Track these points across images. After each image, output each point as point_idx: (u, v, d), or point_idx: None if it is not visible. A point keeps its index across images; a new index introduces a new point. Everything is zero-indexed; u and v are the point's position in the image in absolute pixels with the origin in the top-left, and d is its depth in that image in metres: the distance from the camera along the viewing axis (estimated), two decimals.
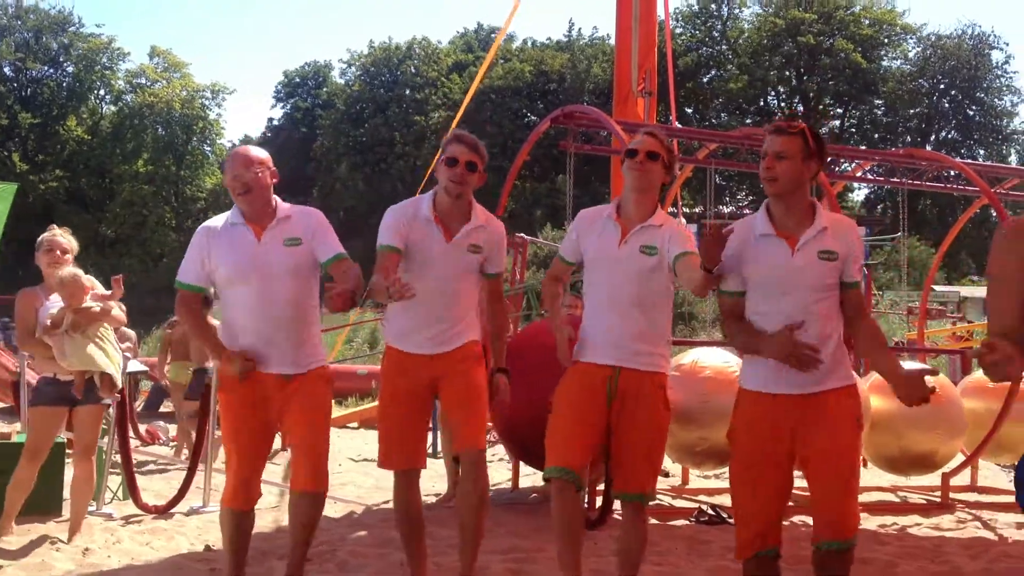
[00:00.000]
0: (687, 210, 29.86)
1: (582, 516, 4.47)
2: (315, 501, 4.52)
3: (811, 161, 3.78)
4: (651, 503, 4.43)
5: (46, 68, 53.92)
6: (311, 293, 4.51)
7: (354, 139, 54.72)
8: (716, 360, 7.29)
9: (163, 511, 7.02)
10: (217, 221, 4.53)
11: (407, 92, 56.52)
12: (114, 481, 7.49)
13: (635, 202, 4.31)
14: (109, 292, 6.08)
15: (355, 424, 13.38)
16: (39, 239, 6.16)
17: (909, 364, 8.74)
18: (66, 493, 7.00)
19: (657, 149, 4.24)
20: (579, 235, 4.38)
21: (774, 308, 3.78)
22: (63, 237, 6.17)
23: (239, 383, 4.36)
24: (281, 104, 64.29)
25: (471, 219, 4.58)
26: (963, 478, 8.97)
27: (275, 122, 64.23)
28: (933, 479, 8.68)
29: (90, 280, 6.08)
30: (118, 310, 6.16)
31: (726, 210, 46.45)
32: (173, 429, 11.27)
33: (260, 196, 4.42)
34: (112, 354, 6.06)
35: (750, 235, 3.86)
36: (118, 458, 7.16)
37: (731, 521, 7.03)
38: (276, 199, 4.52)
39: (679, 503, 7.83)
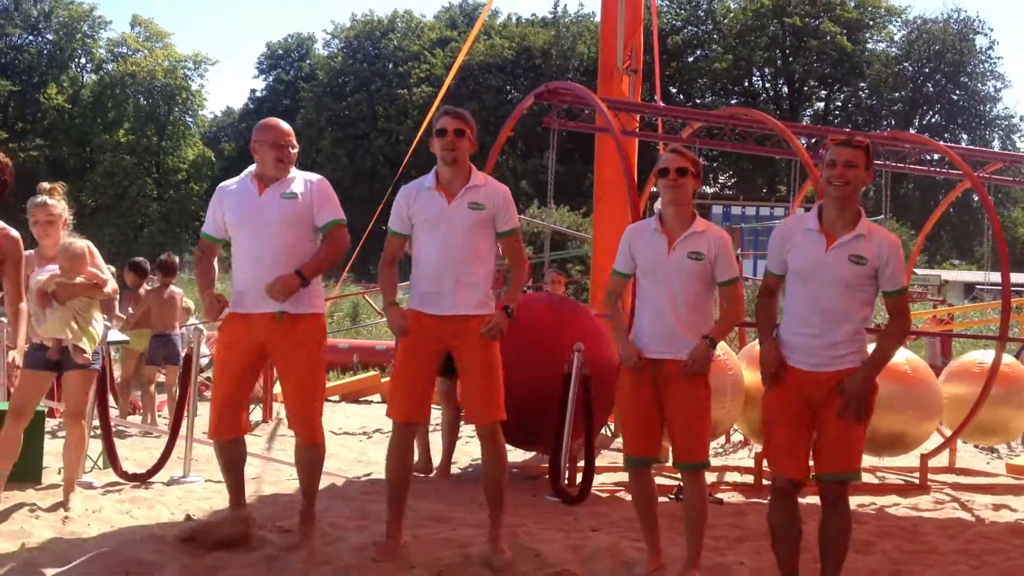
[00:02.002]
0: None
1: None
2: (314, 451, 5.05)
3: (870, 171, 4.39)
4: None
5: (26, 35, 53.32)
6: (307, 244, 4.98)
7: (336, 113, 54.46)
8: None
9: (143, 480, 7.00)
10: (231, 182, 5.15)
11: (389, 66, 56.24)
12: (94, 450, 7.45)
13: (675, 214, 4.78)
14: (105, 277, 6.05)
15: (336, 398, 13.37)
16: (28, 204, 6.06)
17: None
18: (46, 462, 6.99)
19: (685, 165, 4.75)
20: (630, 247, 4.86)
21: (801, 292, 4.37)
22: (52, 201, 6.06)
23: (232, 321, 4.98)
24: (264, 76, 63.95)
25: (469, 181, 4.91)
26: (942, 459, 9.05)
27: (257, 94, 63.86)
28: (911, 460, 8.76)
29: (91, 252, 6.05)
30: (111, 283, 6.12)
31: (709, 190, 46.55)
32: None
33: (288, 167, 4.98)
34: (89, 328, 6.00)
35: (800, 226, 4.46)
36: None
37: (710, 500, 7.08)
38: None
39: (660, 480, 7.87)
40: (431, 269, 4.88)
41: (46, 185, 6.13)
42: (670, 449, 5.06)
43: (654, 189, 7.84)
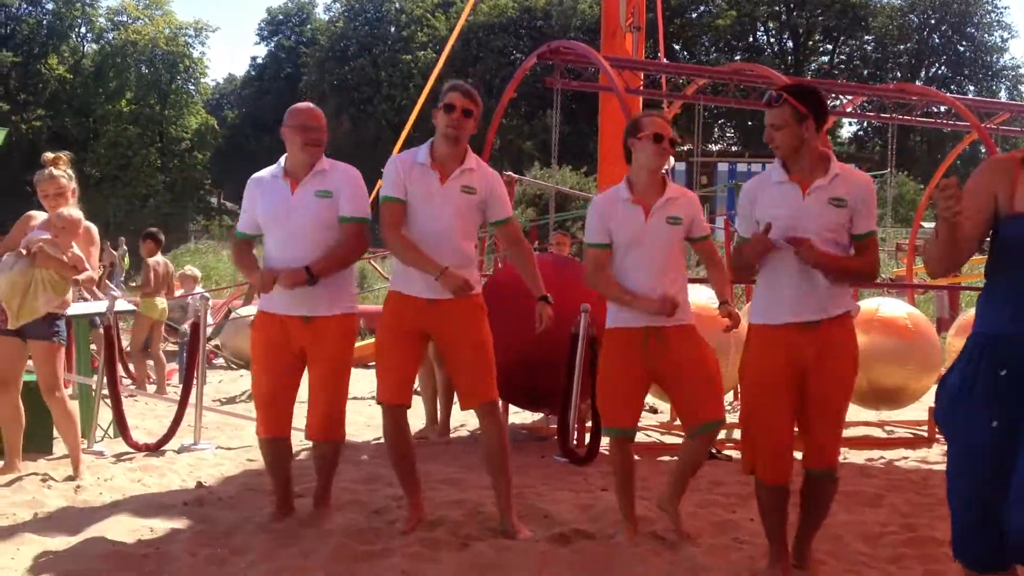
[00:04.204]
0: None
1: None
2: (328, 445, 5.01)
3: (806, 121, 4.04)
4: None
5: (25, 5, 52.98)
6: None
7: (339, 78, 54.15)
8: (701, 298, 7.26)
9: (154, 449, 7.04)
10: (264, 173, 4.98)
11: (392, 30, 55.87)
12: (104, 419, 7.49)
13: (649, 181, 4.69)
14: (87, 267, 5.98)
15: None
16: (35, 177, 6.00)
17: (890, 301, 8.79)
18: (56, 432, 7.02)
19: (672, 134, 4.68)
20: (605, 220, 4.70)
21: (785, 247, 4.03)
22: (59, 172, 5.95)
23: (265, 320, 4.87)
24: (265, 42, 63.51)
25: (464, 163, 4.78)
26: None
27: (259, 60, 63.52)
28: (919, 413, 8.77)
29: (91, 236, 6.01)
30: (90, 273, 6.05)
31: (715, 148, 46.36)
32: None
33: (316, 152, 4.83)
34: (35, 301, 5.80)
35: (768, 181, 4.19)
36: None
37: (720, 457, 7.11)
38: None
39: (668, 439, 7.90)
40: (422, 248, 4.71)
41: (49, 155, 6.05)
42: (670, 407, 5.02)
43: None
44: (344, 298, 4.92)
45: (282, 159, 4.92)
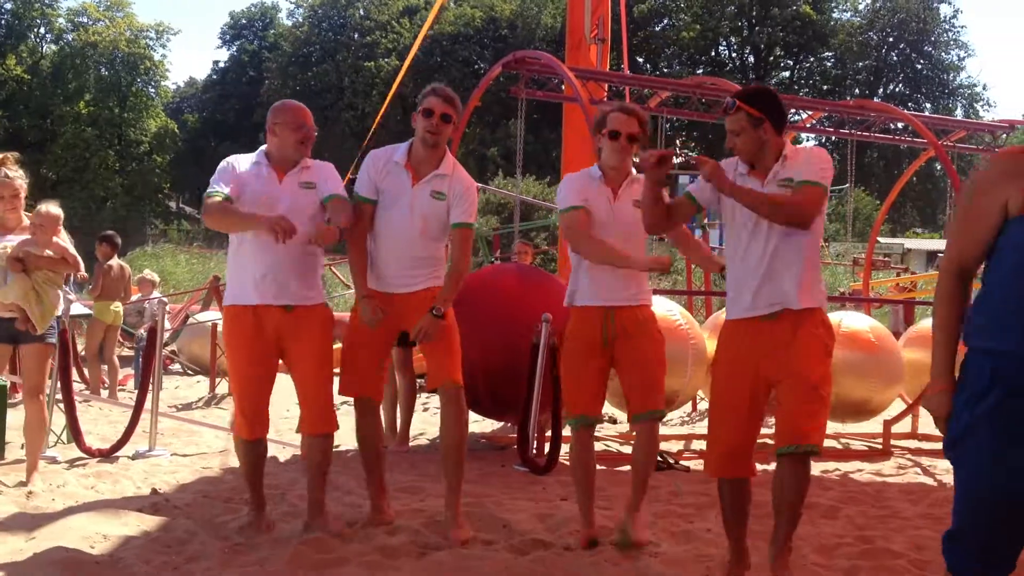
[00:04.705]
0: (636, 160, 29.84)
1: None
2: (324, 441, 4.93)
3: (763, 124, 4.10)
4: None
5: None
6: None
7: (302, 83, 53.90)
8: (659, 309, 7.27)
9: (107, 454, 6.96)
10: (245, 158, 4.90)
11: (355, 36, 55.71)
12: (58, 424, 7.39)
13: (615, 174, 4.79)
14: (74, 253, 6.00)
15: None
16: None
17: (853, 315, 8.88)
18: (9, 436, 6.92)
19: (636, 132, 4.74)
20: (580, 193, 4.76)
21: (748, 241, 4.11)
22: (13, 173, 5.92)
23: (239, 317, 4.74)
24: (227, 46, 63.11)
25: (439, 167, 4.81)
26: (904, 426, 9.15)
27: (221, 64, 63.09)
28: (875, 426, 8.85)
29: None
30: (75, 255, 6.06)
31: (677, 160, 46.57)
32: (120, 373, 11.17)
33: (307, 150, 4.84)
34: (47, 300, 5.90)
35: (732, 173, 4.20)
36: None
37: (677, 467, 7.14)
38: None
39: (627, 449, 7.91)
40: (387, 246, 4.81)
41: None
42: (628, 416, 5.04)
43: None
44: (320, 289, 4.95)
45: (261, 150, 4.89)
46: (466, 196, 4.85)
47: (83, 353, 10.66)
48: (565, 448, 7.09)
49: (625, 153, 4.75)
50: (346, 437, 7.91)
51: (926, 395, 2.81)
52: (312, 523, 4.84)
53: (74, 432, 7.03)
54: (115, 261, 10.91)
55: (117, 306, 10.89)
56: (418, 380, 8.29)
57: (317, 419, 4.88)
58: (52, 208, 5.91)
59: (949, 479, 7.32)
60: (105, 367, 10.99)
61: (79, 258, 6.14)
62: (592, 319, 4.73)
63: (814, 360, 4.06)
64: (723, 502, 4.29)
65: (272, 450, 5.30)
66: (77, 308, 8.17)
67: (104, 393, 10.59)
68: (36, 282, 5.86)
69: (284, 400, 7.22)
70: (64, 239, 6.03)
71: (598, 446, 7.79)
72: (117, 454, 7.01)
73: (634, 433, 5.05)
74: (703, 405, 10.39)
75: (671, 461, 7.22)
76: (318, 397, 4.85)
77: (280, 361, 4.89)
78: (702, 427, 9.47)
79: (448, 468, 4.87)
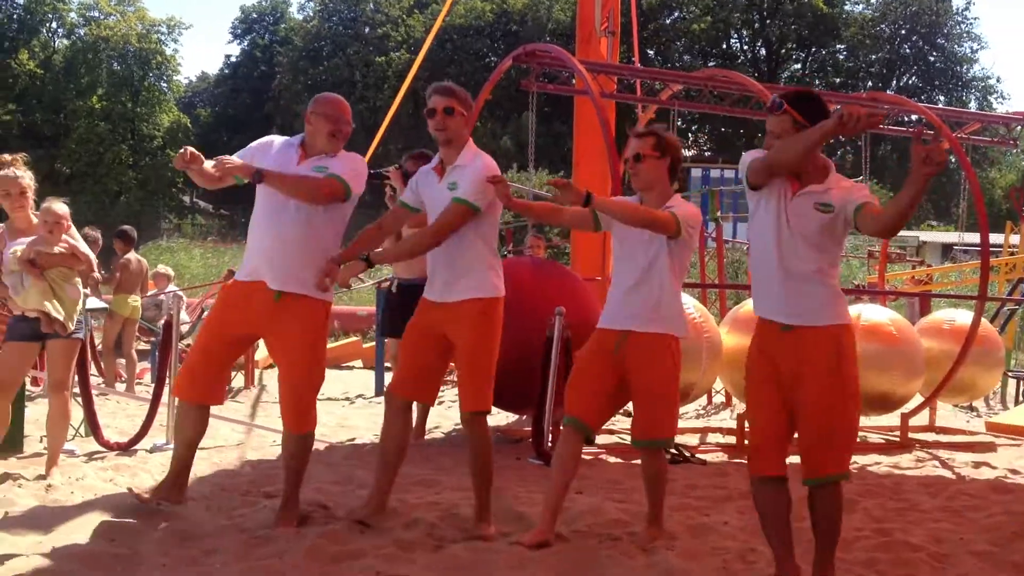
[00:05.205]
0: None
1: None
2: (297, 441, 4.86)
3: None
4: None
5: None
6: (327, 224, 4.79)
7: (313, 78, 53.92)
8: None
9: (125, 448, 6.99)
10: (282, 138, 5.02)
11: (367, 30, 55.69)
12: (76, 418, 7.41)
13: (645, 198, 4.77)
14: (85, 250, 6.04)
15: None
16: None
17: (872, 307, 8.86)
18: (28, 430, 6.96)
19: (641, 150, 4.70)
20: None
21: (768, 248, 4.01)
22: (20, 172, 5.98)
23: (229, 290, 4.83)
24: (238, 41, 63.19)
25: (456, 161, 4.78)
26: (922, 418, 9.13)
27: (233, 59, 63.21)
28: (892, 419, 8.84)
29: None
30: (87, 252, 6.10)
31: (689, 153, 46.50)
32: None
33: (339, 144, 4.84)
34: (67, 297, 5.94)
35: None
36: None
37: (694, 461, 7.14)
38: None
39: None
40: (431, 254, 4.82)
41: (7, 157, 6.05)
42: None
43: None
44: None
45: (301, 135, 4.93)
46: (469, 175, 4.71)
47: (100, 347, 10.69)
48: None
49: (635, 173, 4.76)
50: (363, 431, 7.98)
51: None
52: (277, 516, 4.79)
53: (92, 426, 7.06)
54: (132, 255, 10.96)
55: (135, 299, 10.94)
56: None
57: (288, 417, 4.84)
58: (56, 206, 5.92)
59: (967, 472, 7.32)
60: (122, 361, 11.05)
61: (92, 256, 6.16)
62: (606, 341, 4.75)
63: (826, 391, 3.91)
64: (757, 506, 4.13)
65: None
66: (92, 302, 8.20)
67: (121, 387, 10.64)
68: (52, 280, 5.89)
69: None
70: (75, 237, 6.06)
71: (611, 439, 7.81)
72: (135, 447, 7.04)
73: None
74: (718, 398, 10.40)
75: (687, 454, 7.22)
76: (291, 395, 4.79)
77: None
78: (717, 420, 9.48)
79: (476, 483, 4.87)
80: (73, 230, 6.08)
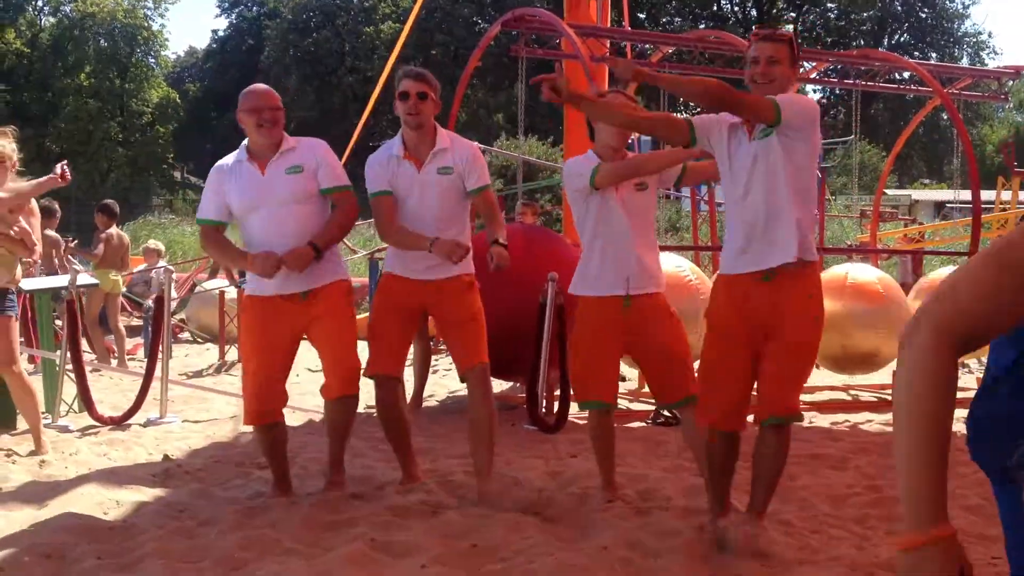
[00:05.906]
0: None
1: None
2: (350, 403, 4.92)
3: (795, 67, 4.10)
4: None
5: None
6: (321, 215, 4.78)
7: (302, 50, 53.56)
8: (668, 265, 7.26)
9: (119, 422, 7.00)
10: (228, 160, 4.83)
11: (355, 1, 55.28)
12: (69, 394, 7.42)
13: (610, 157, 4.72)
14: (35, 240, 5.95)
15: None
16: None
17: (859, 266, 8.86)
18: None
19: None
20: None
21: (741, 191, 4.01)
22: (2, 142, 5.91)
23: (255, 305, 4.75)
24: (226, 14, 62.64)
25: (435, 145, 4.78)
26: None
27: (220, 33, 62.71)
28: (884, 377, 8.86)
29: (31, 211, 5.95)
30: (39, 250, 6.03)
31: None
32: (129, 343, 11.22)
33: (271, 132, 4.68)
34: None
35: (726, 121, 4.08)
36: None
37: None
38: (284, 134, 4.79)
39: (636, 406, 7.93)
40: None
41: None
42: (638, 374, 5.02)
43: None
44: (338, 268, 4.88)
45: (243, 144, 4.80)
46: (474, 161, 4.83)
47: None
48: (574, 407, 7.12)
49: (620, 136, 4.77)
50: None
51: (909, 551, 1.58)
52: (333, 482, 4.91)
53: (85, 401, 7.07)
54: (114, 230, 10.90)
55: (116, 274, 10.90)
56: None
57: (341, 382, 4.84)
58: (18, 185, 5.83)
59: (959, 427, 7.31)
60: (111, 336, 11.04)
61: (39, 246, 6.06)
62: (608, 307, 4.69)
63: (802, 323, 3.99)
64: (710, 454, 4.24)
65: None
66: (84, 278, 8.17)
67: (113, 362, 10.64)
68: None
69: (295, 366, 7.23)
70: (34, 209, 5.99)
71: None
72: (129, 422, 7.05)
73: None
74: None
75: (680, 417, 7.22)
76: (341, 361, 4.82)
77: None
78: None
79: (477, 445, 4.85)
80: (36, 219, 6.00)
